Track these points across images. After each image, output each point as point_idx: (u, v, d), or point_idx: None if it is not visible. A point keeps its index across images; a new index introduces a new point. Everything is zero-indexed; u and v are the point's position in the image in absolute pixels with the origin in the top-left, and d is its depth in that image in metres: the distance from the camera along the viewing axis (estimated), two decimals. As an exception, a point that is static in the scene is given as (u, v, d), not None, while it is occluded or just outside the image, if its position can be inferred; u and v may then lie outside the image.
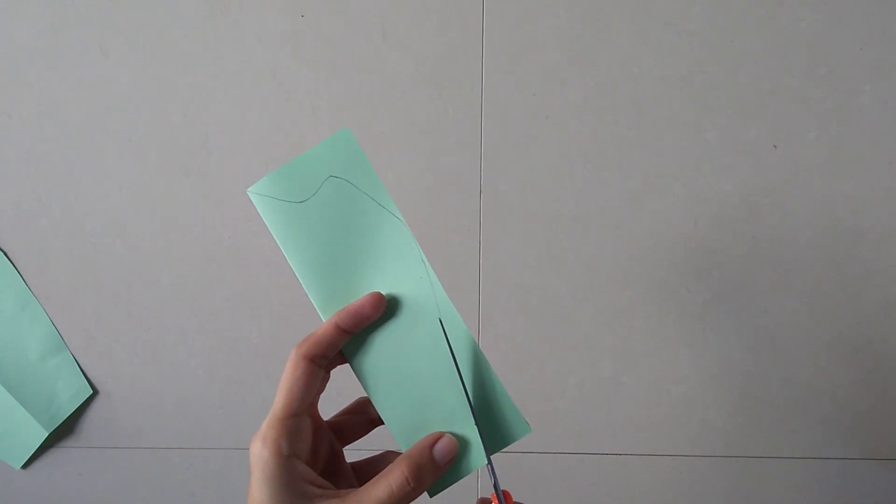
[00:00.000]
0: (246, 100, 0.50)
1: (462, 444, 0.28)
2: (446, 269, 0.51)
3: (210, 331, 0.54)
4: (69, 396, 0.54)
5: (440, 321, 0.29)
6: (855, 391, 0.51)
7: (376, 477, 0.26)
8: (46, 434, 0.55)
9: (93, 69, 0.51)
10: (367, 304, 0.28)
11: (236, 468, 0.56)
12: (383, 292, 0.29)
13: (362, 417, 0.32)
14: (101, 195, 0.52)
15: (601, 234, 0.50)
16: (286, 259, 0.29)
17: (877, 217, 0.49)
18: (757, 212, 0.49)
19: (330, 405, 0.33)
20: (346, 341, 0.29)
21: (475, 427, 0.28)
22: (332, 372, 0.30)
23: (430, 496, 0.29)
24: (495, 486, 0.28)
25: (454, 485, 0.29)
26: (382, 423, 0.30)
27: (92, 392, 0.55)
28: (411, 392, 0.29)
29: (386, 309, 0.29)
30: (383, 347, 0.29)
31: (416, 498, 0.27)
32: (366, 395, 0.30)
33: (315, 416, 0.29)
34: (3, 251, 0.53)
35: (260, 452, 0.25)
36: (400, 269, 0.29)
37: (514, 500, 0.29)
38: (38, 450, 0.55)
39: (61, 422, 0.55)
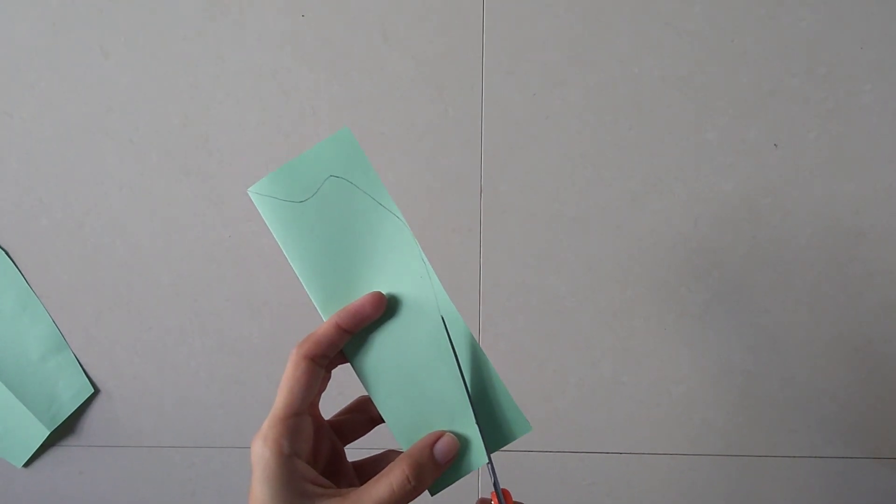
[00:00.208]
0: (246, 100, 0.50)
1: (463, 443, 0.28)
2: (447, 269, 0.51)
3: (210, 330, 0.54)
4: (70, 395, 0.55)
5: (442, 319, 0.29)
6: (855, 391, 0.51)
7: (377, 476, 0.27)
8: (48, 433, 0.55)
9: (93, 69, 0.51)
10: (367, 304, 0.28)
11: (237, 467, 0.56)
12: (384, 291, 0.29)
13: (363, 416, 0.32)
14: (101, 195, 0.52)
15: (601, 234, 0.50)
16: (287, 259, 0.29)
17: (877, 217, 0.49)
18: (757, 212, 0.49)
19: (331, 404, 0.33)
20: (347, 341, 0.29)
21: (476, 426, 0.28)
22: (333, 371, 0.30)
23: (432, 495, 0.29)
24: (495, 484, 0.28)
25: (455, 483, 0.29)
26: (383, 421, 0.30)
27: (93, 391, 0.55)
28: (412, 391, 0.29)
29: (386, 308, 0.29)
30: (384, 347, 0.29)
31: (416, 496, 0.27)
32: (366, 393, 0.30)
33: (316, 416, 0.29)
34: (4, 251, 0.53)
35: (261, 452, 0.25)
36: (400, 269, 0.29)
37: (514, 499, 0.29)
38: (39, 448, 0.55)
39: (62, 421, 0.55)
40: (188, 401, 0.55)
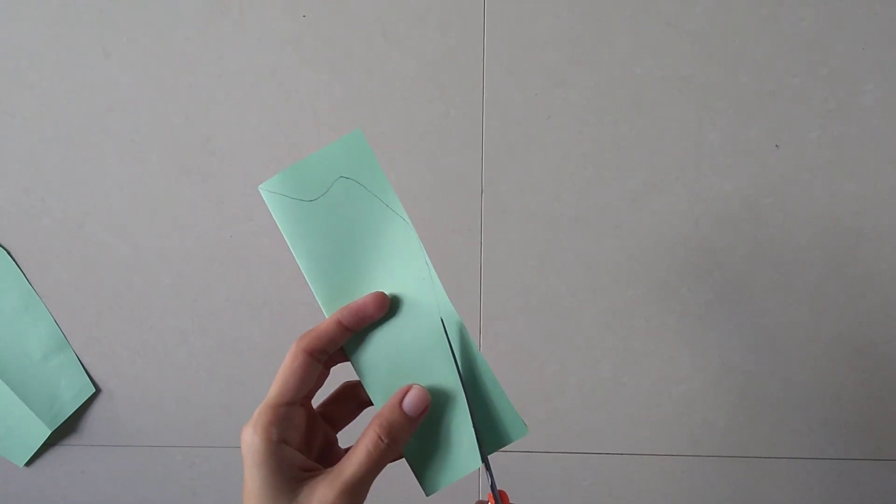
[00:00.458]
0: (247, 100, 0.50)
1: (459, 446, 0.29)
2: (447, 268, 0.51)
3: (211, 330, 0.54)
4: (72, 395, 0.55)
5: (442, 321, 0.29)
6: (856, 391, 0.51)
7: (354, 445, 0.27)
8: (49, 432, 0.55)
9: (95, 70, 0.51)
10: (370, 303, 0.28)
11: (238, 467, 0.56)
12: (387, 292, 0.29)
13: (350, 403, 0.32)
14: (102, 195, 0.52)
15: (602, 235, 0.50)
16: (293, 256, 0.29)
17: (878, 217, 0.49)
18: (758, 212, 0.49)
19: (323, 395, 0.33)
20: (348, 339, 0.29)
21: (472, 428, 0.28)
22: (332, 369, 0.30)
23: (427, 494, 0.29)
24: (492, 486, 0.28)
25: (453, 484, 0.29)
26: (371, 405, 0.30)
27: (94, 390, 0.55)
28: None
29: (389, 308, 0.29)
30: (384, 346, 0.29)
31: (394, 454, 0.27)
32: (349, 380, 0.31)
33: (309, 408, 0.30)
34: (6, 250, 0.53)
35: (251, 440, 0.26)
36: (404, 271, 0.29)
37: (512, 501, 0.29)
38: (41, 448, 0.56)
39: (64, 420, 0.55)
40: (189, 400, 0.55)
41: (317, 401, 0.31)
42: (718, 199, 0.49)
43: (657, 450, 0.53)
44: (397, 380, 0.29)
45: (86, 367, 0.55)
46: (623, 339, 0.52)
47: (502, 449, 0.29)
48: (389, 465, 0.27)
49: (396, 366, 0.29)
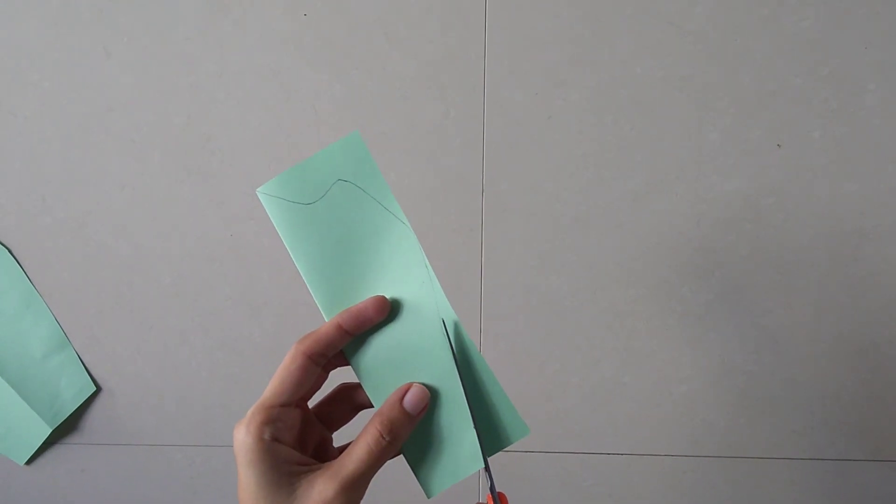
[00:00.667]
0: (248, 100, 0.50)
1: (460, 447, 0.28)
2: (448, 268, 0.51)
3: (211, 329, 0.54)
4: (72, 394, 0.55)
5: (443, 323, 0.29)
6: (857, 392, 0.51)
7: (354, 440, 0.27)
8: (50, 430, 0.55)
9: (96, 69, 0.51)
10: (370, 307, 0.28)
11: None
12: (387, 296, 0.29)
13: (347, 405, 0.32)
14: (103, 194, 0.52)
15: (603, 234, 0.50)
16: (292, 259, 0.29)
17: (880, 217, 0.49)
18: (760, 212, 0.49)
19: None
20: (348, 342, 0.29)
21: (473, 430, 0.28)
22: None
23: (429, 497, 0.29)
24: (491, 488, 0.28)
25: (455, 486, 0.29)
26: (367, 407, 0.31)
27: (95, 389, 0.55)
28: None
29: (389, 312, 0.29)
30: (383, 349, 0.29)
31: (394, 451, 0.27)
32: (346, 381, 0.31)
33: (305, 409, 0.30)
34: (7, 249, 0.53)
35: (243, 439, 0.26)
36: (403, 274, 0.29)
37: (511, 502, 0.29)
38: (41, 446, 0.56)
39: (64, 419, 0.55)
40: (189, 399, 0.55)
41: (313, 401, 0.31)
42: (719, 199, 0.49)
43: (658, 450, 0.53)
44: (397, 382, 0.29)
45: (86, 365, 0.55)
46: (624, 339, 0.51)
47: (503, 449, 0.29)
48: (390, 466, 0.27)
49: (396, 368, 0.29)
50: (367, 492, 0.27)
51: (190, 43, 0.50)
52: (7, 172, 0.53)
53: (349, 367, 0.30)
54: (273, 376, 0.27)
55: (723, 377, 0.52)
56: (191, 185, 0.52)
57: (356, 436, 0.28)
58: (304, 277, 0.29)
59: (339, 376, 0.32)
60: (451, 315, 0.29)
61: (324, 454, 0.31)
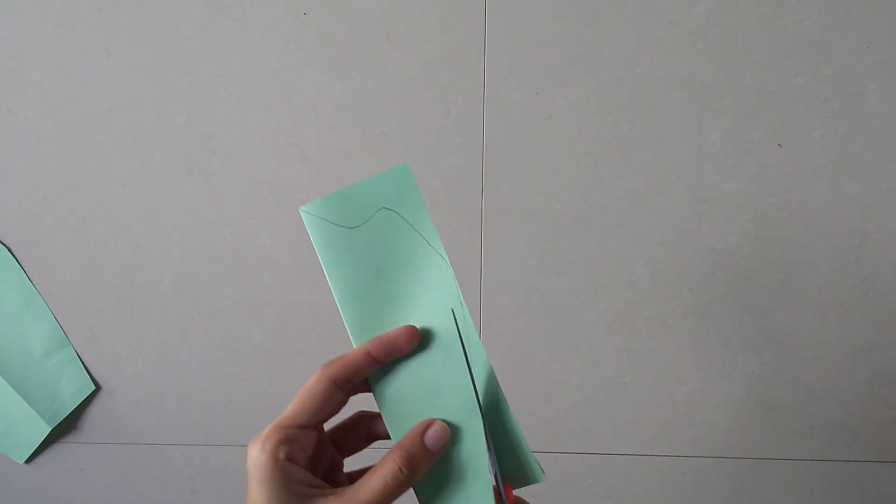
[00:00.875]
0: (248, 99, 0.50)
1: (473, 489, 0.28)
2: (447, 268, 0.51)
3: (211, 329, 0.54)
4: (72, 393, 0.55)
5: (468, 365, 0.29)
6: (859, 393, 0.51)
7: (371, 470, 0.27)
8: (49, 429, 0.55)
9: (97, 69, 0.51)
10: (401, 336, 0.28)
11: (237, 465, 0.56)
12: (417, 326, 0.29)
13: (363, 433, 0.32)
14: (104, 194, 0.52)
15: (603, 234, 0.50)
16: (327, 280, 0.29)
17: (883, 218, 0.48)
18: (761, 212, 0.49)
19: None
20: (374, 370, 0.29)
21: (489, 473, 0.28)
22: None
23: None
24: (496, 476, 0.28)
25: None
26: (382, 438, 0.30)
27: (94, 388, 0.55)
28: None
29: (418, 344, 0.29)
30: (407, 381, 0.29)
31: (409, 486, 0.27)
32: (364, 410, 0.31)
33: (321, 431, 0.29)
34: (8, 248, 0.54)
35: (258, 456, 0.26)
36: (436, 308, 0.29)
37: (514, 495, 0.29)
38: (40, 445, 0.56)
39: (64, 417, 0.55)
40: (189, 399, 0.55)
41: (330, 423, 0.31)
42: (720, 199, 0.49)
43: (658, 450, 0.53)
44: (418, 415, 0.29)
45: (86, 364, 0.55)
46: (624, 340, 0.51)
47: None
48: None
49: (418, 402, 0.29)
50: None
51: (190, 43, 0.50)
52: (8, 171, 0.53)
53: (369, 393, 0.30)
54: (295, 396, 0.27)
55: (724, 378, 0.51)
56: (191, 184, 0.52)
57: (367, 464, 0.28)
58: (336, 300, 0.29)
59: (357, 401, 0.32)
60: (481, 354, 0.29)
61: (333, 478, 0.30)
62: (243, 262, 0.52)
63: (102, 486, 0.57)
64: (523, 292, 0.51)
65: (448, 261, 0.30)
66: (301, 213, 0.29)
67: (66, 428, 0.56)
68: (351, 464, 0.32)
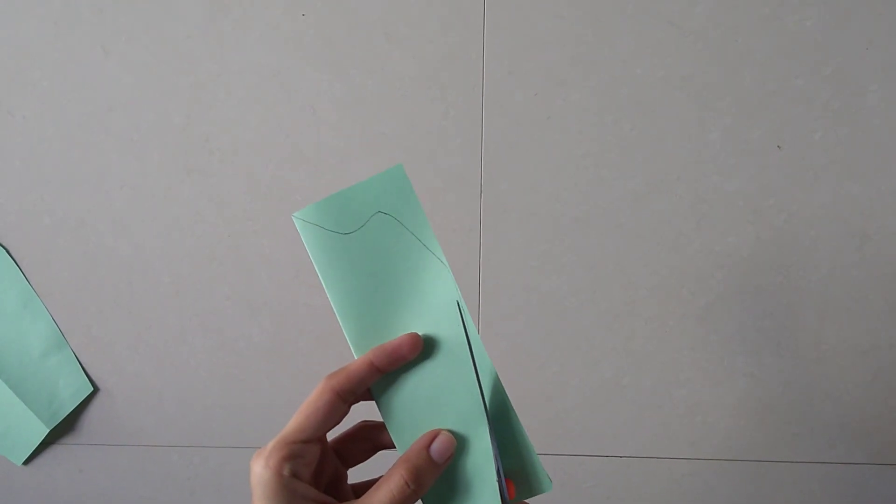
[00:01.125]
0: (247, 99, 0.50)
1: (480, 496, 0.28)
2: (447, 269, 0.51)
3: (210, 330, 0.54)
4: (70, 394, 0.55)
5: (475, 368, 0.28)
6: (859, 395, 0.51)
7: (376, 484, 0.26)
8: (47, 431, 0.55)
9: (95, 68, 0.51)
10: (404, 345, 0.28)
11: (236, 466, 0.56)
12: (419, 333, 0.29)
13: (367, 444, 0.32)
14: (103, 194, 0.52)
15: (603, 235, 0.50)
16: (324, 288, 0.29)
17: (883, 219, 0.48)
18: (761, 213, 0.49)
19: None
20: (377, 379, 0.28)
21: (496, 483, 0.28)
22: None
23: None
24: (498, 471, 0.28)
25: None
26: (387, 448, 0.30)
27: (93, 389, 0.55)
28: None
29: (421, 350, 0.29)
30: (411, 389, 0.29)
31: (417, 499, 0.27)
32: (367, 420, 0.30)
33: (324, 443, 0.29)
34: (5, 249, 0.53)
35: (262, 473, 0.25)
36: (437, 313, 0.29)
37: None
38: (39, 446, 0.56)
39: (62, 419, 0.55)
40: (188, 400, 0.55)
41: (332, 433, 0.31)
42: (720, 199, 0.49)
43: (658, 452, 0.53)
44: (423, 424, 0.28)
45: (84, 365, 0.55)
46: (624, 341, 0.51)
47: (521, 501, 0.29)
48: None
49: (422, 410, 0.28)
50: None
51: (190, 42, 0.50)
52: (6, 172, 0.52)
53: (371, 401, 0.29)
54: (298, 409, 0.27)
55: (723, 379, 0.51)
56: (190, 184, 0.52)
57: (373, 475, 0.27)
58: (334, 308, 0.29)
59: (358, 409, 0.32)
60: (485, 358, 0.29)
61: (337, 490, 0.30)
62: (242, 263, 0.52)
63: (101, 487, 0.57)
64: (523, 293, 0.51)
65: (447, 265, 0.29)
66: (294, 219, 0.29)
67: (64, 429, 0.56)
68: (354, 475, 0.31)
